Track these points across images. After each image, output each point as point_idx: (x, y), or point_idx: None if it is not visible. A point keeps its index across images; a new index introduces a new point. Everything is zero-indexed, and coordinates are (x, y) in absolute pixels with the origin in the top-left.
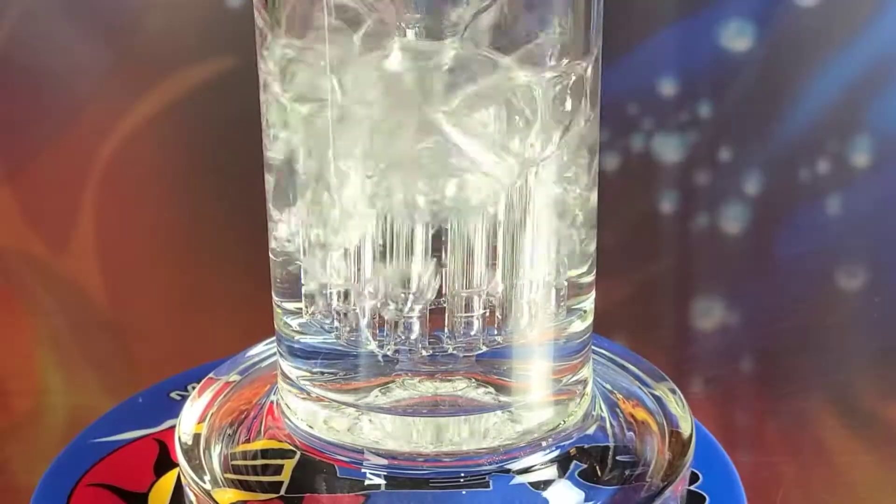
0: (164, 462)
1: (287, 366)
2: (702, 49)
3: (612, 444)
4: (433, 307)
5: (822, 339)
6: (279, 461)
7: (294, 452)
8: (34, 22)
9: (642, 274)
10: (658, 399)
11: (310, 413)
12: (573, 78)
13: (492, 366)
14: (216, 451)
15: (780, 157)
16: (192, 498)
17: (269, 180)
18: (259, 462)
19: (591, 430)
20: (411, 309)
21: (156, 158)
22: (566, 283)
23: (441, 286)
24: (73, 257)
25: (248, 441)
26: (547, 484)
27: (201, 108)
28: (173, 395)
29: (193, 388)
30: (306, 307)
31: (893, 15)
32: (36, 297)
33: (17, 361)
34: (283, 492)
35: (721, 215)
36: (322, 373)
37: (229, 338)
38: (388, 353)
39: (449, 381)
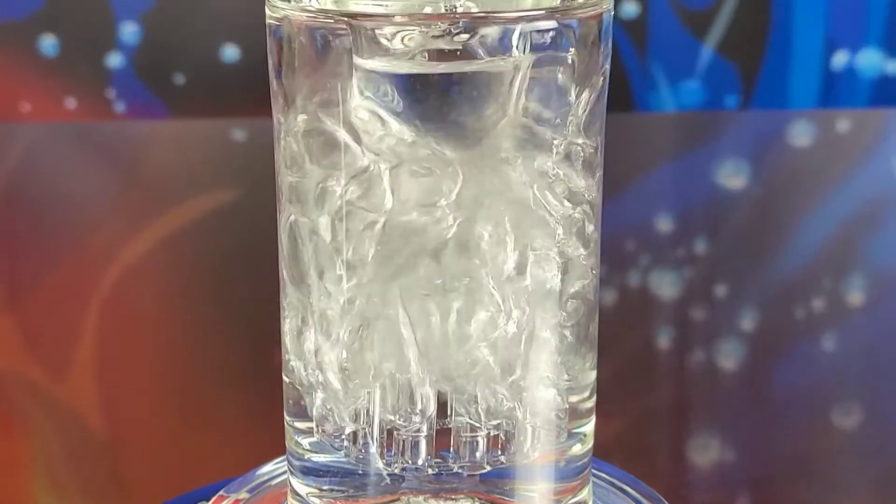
0: None
1: (297, 483)
2: (698, 187)
3: None
4: (439, 427)
5: (817, 473)
6: None
7: None
8: (41, 151)
9: (639, 408)
10: None
11: None
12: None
13: (495, 485)
14: None
15: (775, 294)
16: None
17: (286, 330)
18: None
19: None
20: (418, 429)
21: (157, 286)
22: (567, 408)
23: (447, 407)
24: (72, 383)
25: None
26: None
27: (204, 237)
28: None
29: None
30: (317, 427)
31: (886, 156)
32: (34, 422)
33: (13, 485)
34: None
35: (717, 351)
36: (331, 490)
37: (228, 463)
38: (395, 471)
39: (453, 499)
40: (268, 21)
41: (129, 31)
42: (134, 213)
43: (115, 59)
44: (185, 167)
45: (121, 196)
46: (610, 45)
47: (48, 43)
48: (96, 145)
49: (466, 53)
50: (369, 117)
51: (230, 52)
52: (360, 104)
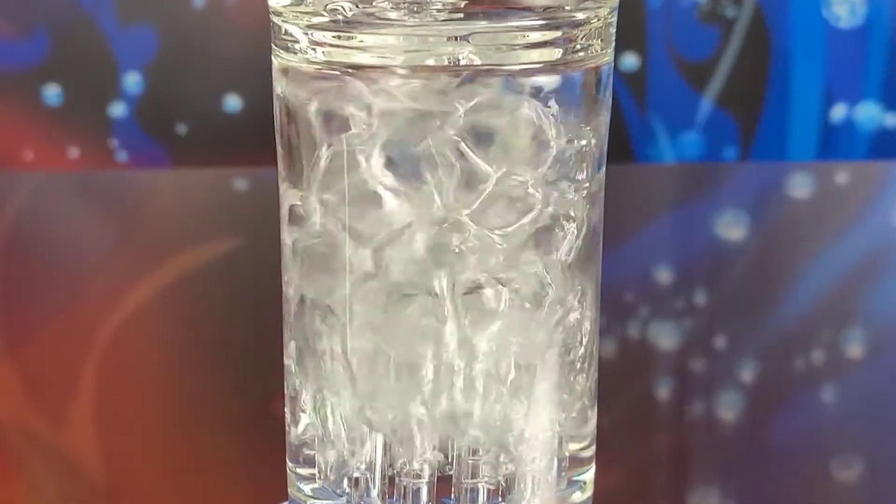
0: None
1: None
2: (697, 238)
3: None
4: (440, 475)
5: None
6: None
7: None
8: (43, 199)
9: (639, 457)
10: None
11: None
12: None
13: None
14: None
15: (775, 346)
16: None
17: (289, 381)
18: None
19: None
20: (420, 476)
21: (158, 334)
22: (567, 456)
23: (448, 453)
24: (71, 431)
25: None
26: None
27: (205, 286)
28: None
29: None
30: (319, 473)
31: (885, 208)
32: (33, 470)
33: None
34: None
35: (716, 402)
36: None
37: None
38: None
39: None
40: (274, 72)
41: (133, 80)
42: (135, 262)
43: (117, 109)
44: (187, 216)
45: (122, 244)
46: (610, 96)
47: (52, 92)
48: (98, 193)
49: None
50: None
51: (232, 102)
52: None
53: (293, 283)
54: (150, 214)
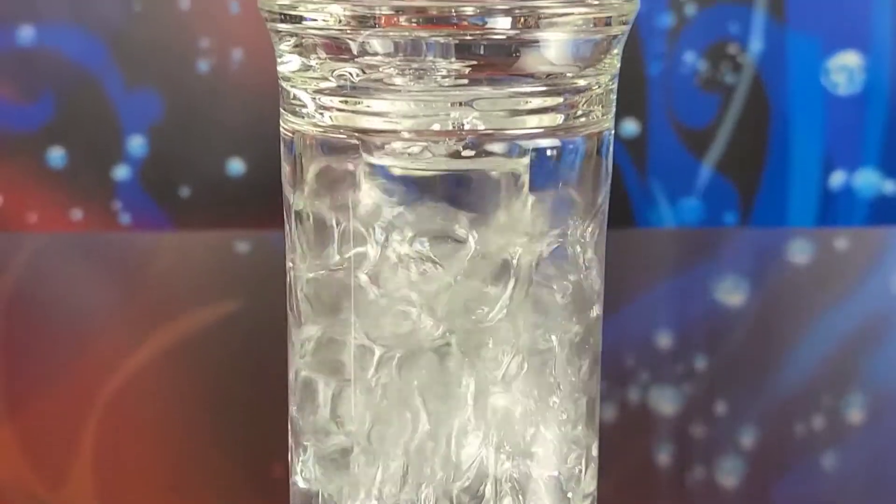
0: None
1: None
2: (697, 303)
3: None
4: None
5: None
6: None
7: None
8: (45, 260)
9: None
10: None
11: None
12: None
13: None
14: None
15: (775, 411)
16: None
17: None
18: None
19: None
20: None
21: (158, 396)
22: None
23: None
24: (70, 493)
25: None
26: None
27: (206, 349)
28: None
29: None
30: None
31: (884, 274)
32: None
33: None
34: None
35: (717, 467)
36: None
37: None
38: None
39: None
40: (282, 134)
41: (137, 143)
42: (136, 324)
43: (121, 172)
44: (188, 278)
45: (123, 306)
46: (610, 161)
47: (56, 155)
48: (100, 255)
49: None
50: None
51: (235, 166)
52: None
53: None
54: (151, 276)
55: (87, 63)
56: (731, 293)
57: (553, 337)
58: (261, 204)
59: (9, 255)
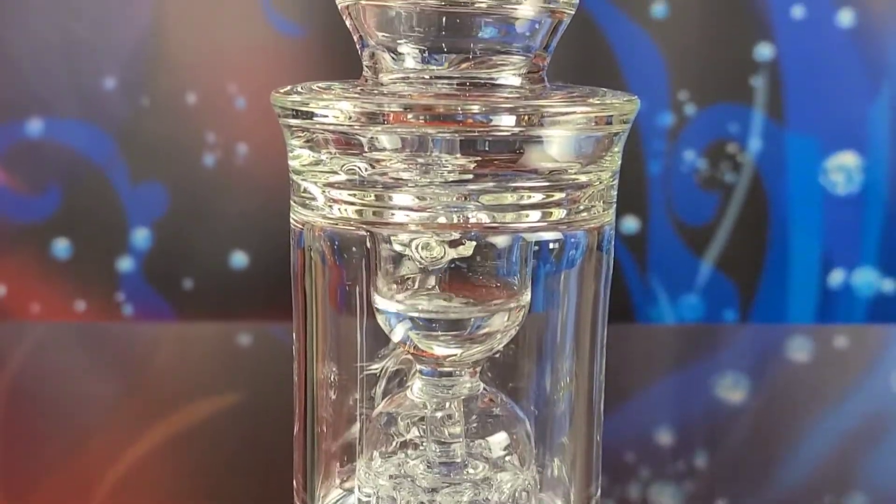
0: None
1: None
2: (697, 400)
3: None
4: None
5: None
6: None
7: None
8: (47, 350)
9: None
10: None
11: None
12: None
13: None
14: None
15: None
16: None
17: None
18: None
19: None
20: None
21: (159, 489)
22: None
23: None
24: None
25: None
26: None
27: (207, 441)
28: None
29: None
30: None
31: (884, 372)
32: None
33: None
34: None
35: None
36: None
37: None
38: None
39: None
40: (291, 226)
41: (141, 236)
42: (137, 415)
43: (125, 264)
44: (191, 370)
45: (125, 397)
46: (612, 256)
47: (61, 246)
48: (102, 345)
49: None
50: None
51: (238, 259)
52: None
53: None
54: (153, 367)
55: (94, 156)
56: (732, 390)
57: None
58: (264, 296)
59: (11, 345)
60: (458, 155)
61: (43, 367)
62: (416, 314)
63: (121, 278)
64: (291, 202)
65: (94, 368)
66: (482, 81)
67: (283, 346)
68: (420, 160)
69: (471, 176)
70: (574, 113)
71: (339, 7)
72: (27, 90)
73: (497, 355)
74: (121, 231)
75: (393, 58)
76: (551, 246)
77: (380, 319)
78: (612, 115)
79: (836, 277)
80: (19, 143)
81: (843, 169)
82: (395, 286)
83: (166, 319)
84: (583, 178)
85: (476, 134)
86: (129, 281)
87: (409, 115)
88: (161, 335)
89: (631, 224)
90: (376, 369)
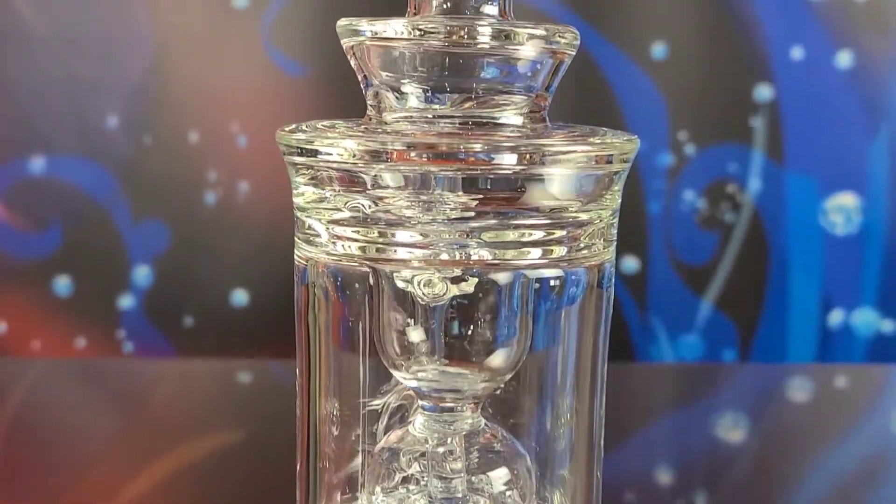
0: None
1: None
2: (697, 439)
3: None
4: None
5: None
6: None
7: None
8: (48, 387)
9: None
10: None
11: None
12: None
13: None
14: None
15: None
16: None
17: None
18: None
19: None
20: None
21: None
22: None
23: None
24: None
25: None
26: None
27: (207, 478)
28: None
29: None
30: None
31: (884, 412)
32: None
33: None
34: None
35: None
36: None
37: None
38: None
39: None
40: (295, 262)
41: (142, 273)
42: (137, 451)
43: (126, 301)
44: (190, 407)
45: (125, 433)
46: (612, 293)
47: (63, 283)
48: (102, 382)
49: None
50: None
51: (239, 297)
52: None
53: None
54: (153, 404)
55: (96, 193)
56: (731, 429)
57: None
58: (264, 334)
59: (12, 381)
60: (461, 193)
61: (43, 403)
62: (416, 384)
63: (121, 315)
64: (295, 239)
65: (95, 405)
66: (484, 120)
67: (283, 384)
68: (423, 198)
69: (473, 213)
70: (575, 152)
71: (344, 47)
72: (30, 128)
73: (498, 391)
74: (122, 268)
75: (396, 97)
76: (552, 283)
77: (384, 359)
78: (612, 155)
79: (836, 317)
80: (22, 180)
81: (842, 209)
82: (396, 356)
83: (166, 356)
84: (583, 216)
85: (478, 172)
86: (129, 318)
87: (413, 154)
88: (161, 372)
89: (631, 263)
90: (378, 405)
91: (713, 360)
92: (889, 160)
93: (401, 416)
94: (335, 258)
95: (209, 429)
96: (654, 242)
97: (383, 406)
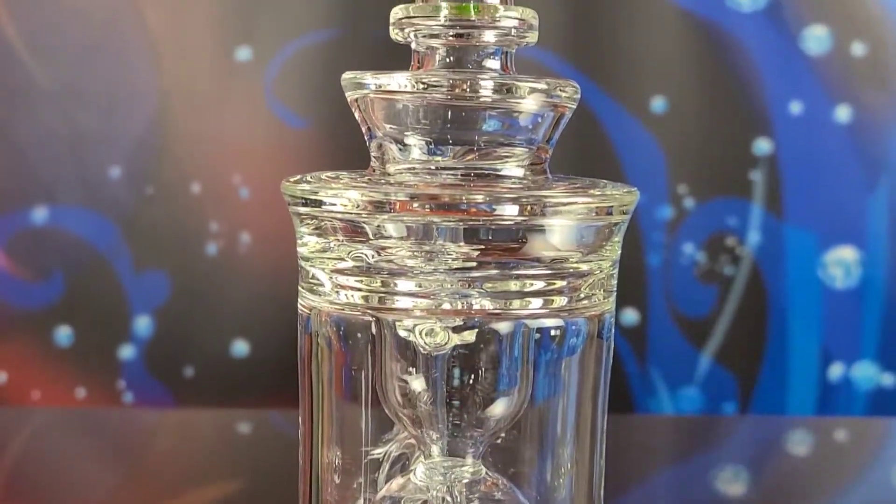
0: None
1: None
2: (697, 491)
3: None
4: None
5: None
6: None
7: None
8: (47, 437)
9: None
10: None
11: None
12: None
13: None
14: None
15: None
16: None
17: None
18: None
19: None
20: None
21: None
22: None
23: None
24: None
25: None
26: None
27: None
28: None
29: None
30: None
31: (884, 465)
32: None
33: None
34: None
35: None
36: None
37: None
38: None
39: None
40: (299, 311)
41: (143, 324)
42: (136, 502)
43: (127, 351)
44: (190, 457)
45: (124, 484)
46: (612, 343)
47: (63, 333)
48: (102, 432)
49: None
50: None
51: (239, 347)
52: None
53: None
54: (153, 454)
55: (98, 244)
56: (731, 482)
57: None
58: (264, 385)
59: (11, 431)
60: (462, 243)
61: (43, 453)
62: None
63: (122, 365)
64: (299, 288)
65: (94, 455)
66: (486, 172)
67: (283, 434)
68: (425, 248)
69: (474, 263)
70: (575, 203)
71: (349, 100)
72: (33, 178)
73: (499, 441)
74: (123, 318)
75: (400, 149)
76: (553, 333)
77: (386, 409)
78: (612, 206)
79: (836, 371)
80: (24, 230)
81: (841, 263)
82: (398, 405)
83: (167, 407)
84: (584, 267)
85: (480, 223)
86: (129, 368)
87: (415, 204)
88: (161, 422)
89: (631, 316)
90: (380, 453)
91: (713, 413)
92: (888, 214)
93: (402, 464)
94: (338, 307)
95: (209, 479)
96: (654, 295)
97: (385, 455)
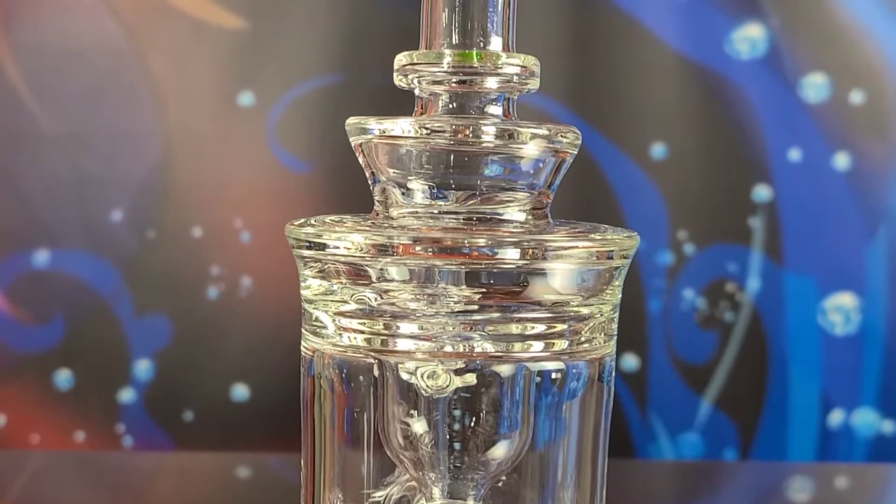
0: None
1: None
2: None
3: None
4: None
5: None
6: None
7: None
8: (46, 481)
9: None
10: None
11: None
12: None
13: None
14: None
15: None
16: None
17: None
18: None
19: None
20: None
21: None
22: None
23: None
24: None
25: None
26: None
27: None
28: None
29: None
30: None
31: None
32: None
33: None
34: None
35: None
36: None
37: None
38: None
39: None
40: (302, 353)
41: (143, 367)
42: None
43: (126, 395)
44: (189, 502)
45: None
46: (612, 387)
47: (63, 377)
48: (100, 476)
49: None
50: None
51: (239, 391)
52: None
53: None
54: (152, 498)
55: (99, 287)
56: None
57: None
58: (264, 429)
59: (10, 474)
60: (464, 286)
61: (42, 496)
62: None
63: (121, 409)
64: (302, 330)
65: (93, 499)
66: (488, 216)
67: (283, 479)
68: (427, 291)
69: (476, 307)
70: (576, 247)
71: (353, 144)
72: (35, 222)
73: (500, 483)
74: (123, 362)
75: (403, 193)
76: (553, 376)
77: (388, 451)
78: (612, 251)
79: (836, 418)
80: (25, 273)
81: (840, 309)
82: (399, 447)
83: (166, 451)
84: (584, 311)
85: (481, 266)
86: (129, 412)
87: (418, 248)
88: (160, 466)
89: (631, 361)
90: (381, 496)
91: (713, 458)
92: (887, 260)
93: None
94: (341, 349)
95: None
96: (654, 341)
97: (386, 497)
